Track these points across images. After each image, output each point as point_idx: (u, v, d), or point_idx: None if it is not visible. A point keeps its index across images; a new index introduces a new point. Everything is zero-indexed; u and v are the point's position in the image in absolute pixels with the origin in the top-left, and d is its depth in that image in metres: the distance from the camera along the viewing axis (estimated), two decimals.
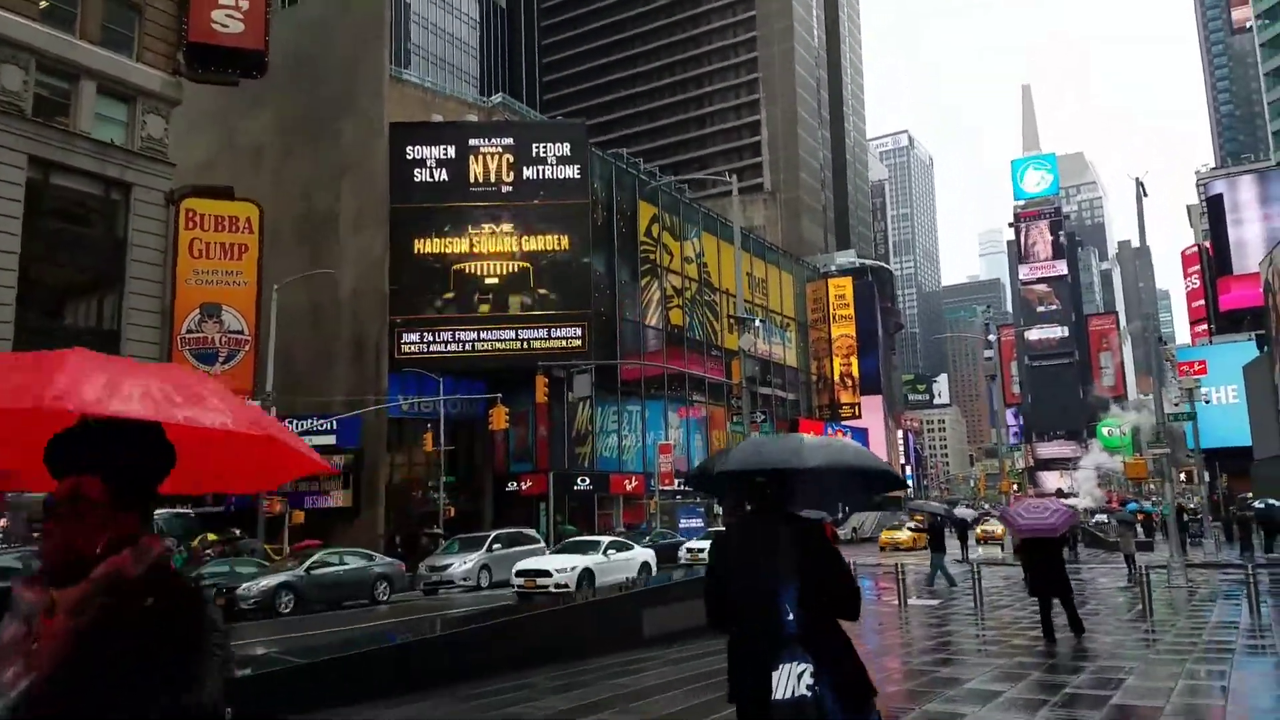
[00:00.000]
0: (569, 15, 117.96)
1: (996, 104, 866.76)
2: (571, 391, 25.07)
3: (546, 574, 21.55)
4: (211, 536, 26.50)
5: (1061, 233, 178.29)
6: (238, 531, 28.23)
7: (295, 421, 41.99)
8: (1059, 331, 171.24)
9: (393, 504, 43.15)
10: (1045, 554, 12.20)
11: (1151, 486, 73.93)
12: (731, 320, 21.55)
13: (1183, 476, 41.11)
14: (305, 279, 44.92)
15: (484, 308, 43.96)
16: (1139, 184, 27.08)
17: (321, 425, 42.35)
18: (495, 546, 26.43)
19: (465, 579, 25.22)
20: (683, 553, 32.52)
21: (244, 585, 20.15)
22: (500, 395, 34.38)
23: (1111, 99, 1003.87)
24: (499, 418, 31.13)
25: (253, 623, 19.05)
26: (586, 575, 21.85)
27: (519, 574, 22.03)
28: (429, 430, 38.18)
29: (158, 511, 33.50)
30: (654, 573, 25.02)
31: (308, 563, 21.82)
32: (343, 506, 41.26)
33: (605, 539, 25.52)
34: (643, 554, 25.20)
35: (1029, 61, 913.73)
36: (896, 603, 17.25)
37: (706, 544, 28.87)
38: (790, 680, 3.47)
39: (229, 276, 28.95)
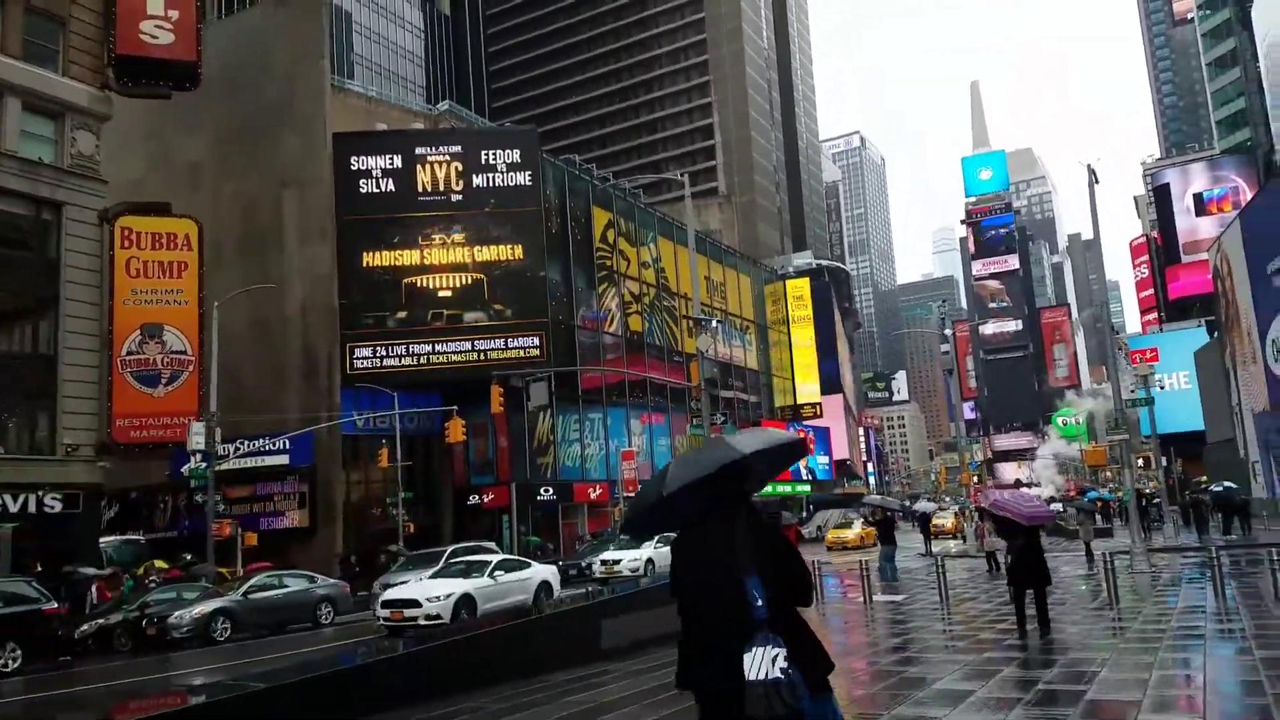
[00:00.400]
0: (515, 21, 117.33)
1: (946, 104, 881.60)
2: (529, 401, 24.07)
3: (415, 604, 18.67)
4: (159, 564, 25.54)
5: (1012, 227, 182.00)
6: (188, 556, 27.22)
7: (245, 442, 41.02)
8: (1013, 325, 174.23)
9: (350, 522, 42.24)
10: (1030, 543, 12.00)
11: (1109, 474, 74.97)
12: (689, 323, 21.19)
13: (1140, 462, 41.52)
14: (252, 296, 43.74)
15: (438, 324, 43.21)
16: (1090, 170, 27.22)
17: (273, 445, 41.24)
18: (453, 563, 23.50)
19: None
20: (597, 566, 29.33)
21: (176, 613, 19.09)
22: (456, 408, 33.64)
23: (1059, 96, 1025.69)
24: (455, 430, 30.44)
25: (186, 651, 18.23)
26: (466, 603, 18.99)
27: (384, 605, 19.28)
28: (384, 446, 37.27)
29: (107, 539, 32.51)
30: (556, 593, 22.37)
31: (244, 587, 20.80)
32: (298, 527, 40.26)
33: (494, 557, 22.52)
34: (541, 572, 22.39)
35: (977, 61, 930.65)
36: (861, 599, 17.01)
37: (626, 554, 28.56)
38: (764, 662, 3.62)
39: (169, 295, 27.95)
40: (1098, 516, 36.24)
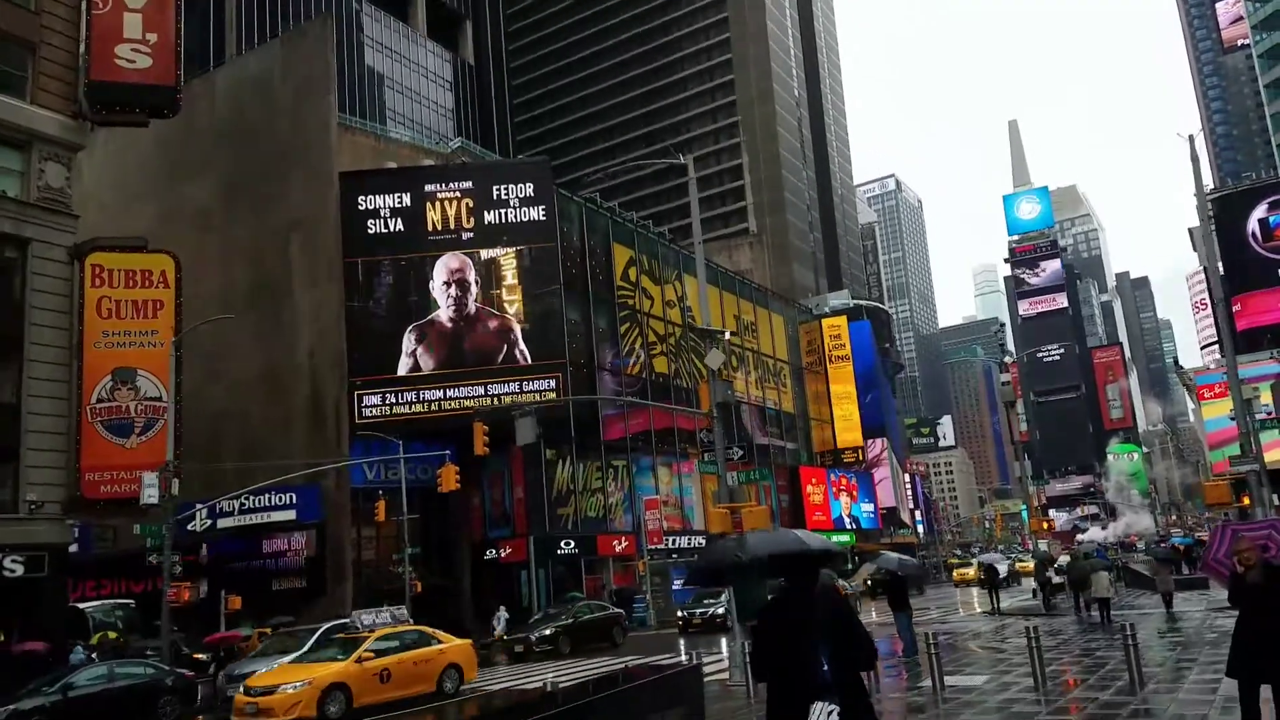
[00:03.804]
0: (541, 71, 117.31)
1: (984, 144, 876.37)
2: (517, 439, 21.34)
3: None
4: (112, 635, 23.05)
5: (1059, 263, 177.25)
6: (109, 633, 24.34)
7: (251, 497, 38.83)
8: (1055, 297, 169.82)
9: (361, 580, 39.68)
10: (1268, 610, 7.56)
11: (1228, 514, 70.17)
12: (702, 344, 18.43)
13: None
14: (261, 344, 42.13)
15: (449, 367, 40.98)
16: (1190, 140, 24.21)
17: (280, 499, 39.11)
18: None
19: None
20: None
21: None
22: (449, 453, 31.11)
23: (1102, 131, 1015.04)
24: (449, 478, 27.82)
25: None
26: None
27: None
28: (381, 498, 34.73)
29: (93, 604, 30.13)
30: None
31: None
32: (300, 587, 37.75)
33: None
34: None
35: (1015, 100, 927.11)
36: (930, 683, 13.35)
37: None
38: (822, 715, 4.77)
39: (143, 337, 25.93)
40: (1181, 565, 32.38)
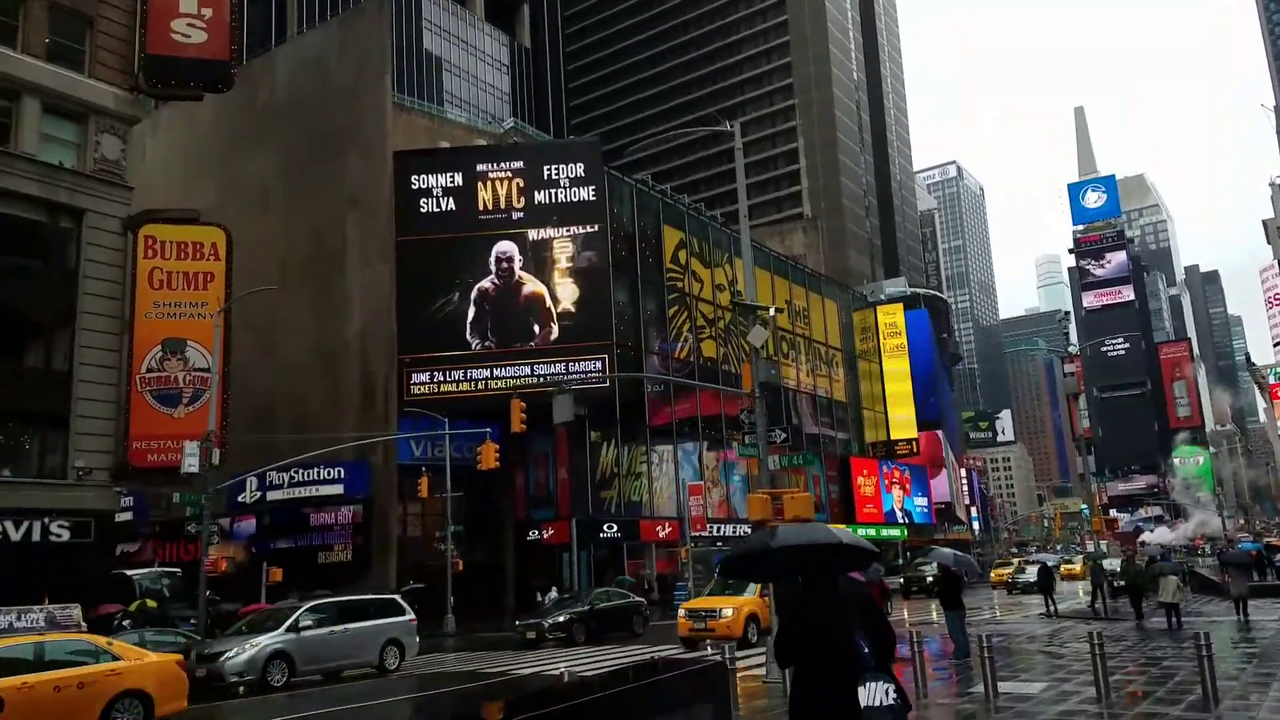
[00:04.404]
0: (596, 56, 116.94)
1: (1049, 131, 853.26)
2: (555, 418, 21.01)
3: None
4: (150, 603, 23.41)
5: (1125, 255, 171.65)
6: (148, 601, 24.59)
7: (301, 470, 39.34)
8: (1122, 291, 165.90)
9: (406, 556, 40.01)
10: None
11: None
12: (747, 324, 17.86)
13: None
14: (315, 320, 42.64)
15: (497, 346, 40.99)
16: (1276, 112, 22.90)
17: (329, 474, 39.59)
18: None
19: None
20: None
21: None
22: (490, 430, 30.97)
23: (1172, 119, 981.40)
24: (488, 456, 27.73)
25: None
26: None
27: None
28: (424, 475, 34.83)
29: (141, 571, 30.76)
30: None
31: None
32: (344, 562, 38.15)
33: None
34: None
35: (1082, 88, 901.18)
36: (981, 688, 12.45)
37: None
38: (879, 693, 4.96)
39: (193, 308, 26.26)
40: (1252, 571, 30.94)
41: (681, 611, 22.57)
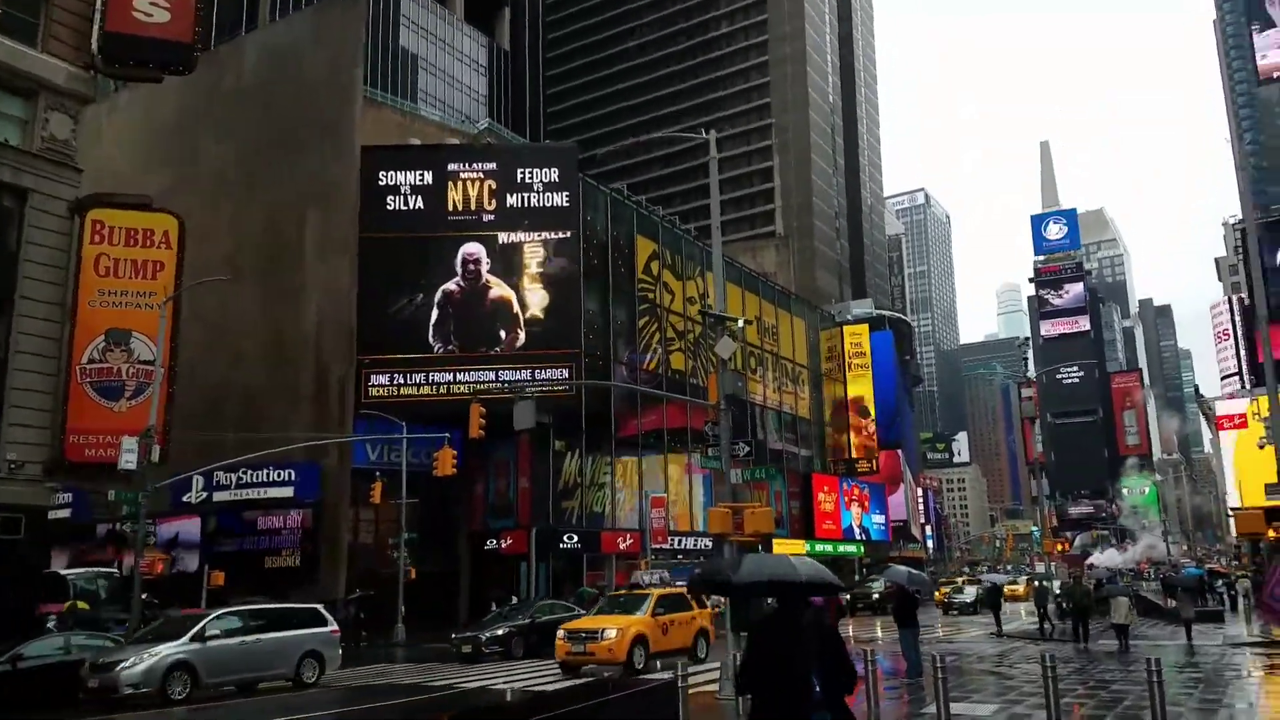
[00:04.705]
0: (577, 63, 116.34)
1: (1014, 165, 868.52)
2: (516, 424, 20.08)
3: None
4: (82, 605, 22.11)
5: (1082, 286, 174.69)
6: (79, 603, 23.43)
7: (250, 471, 37.94)
8: (1077, 321, 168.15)
9: (357, 565, 38.72)
10: None
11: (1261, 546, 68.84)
12: (716, 336, 17.08)
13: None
14: (269, 313, 41.26)
15: (461, 350, 39.95)
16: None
17: (279, 475, 38.24)
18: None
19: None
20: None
21: None
22: (448, 436, 30.01)
23: (1131, 156, 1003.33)
24: (445, 462, 26.78)
25: None
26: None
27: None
28: (378, 480, 33.69)
29: (76, 571, 29.30)
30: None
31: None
32: (292, 567, 36.79)
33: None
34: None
35: (1046, 122, 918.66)
36: (935, 711, 12.25)
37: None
38: None
39: (140, 298, 24.96)
40: (1206, 597, 31.06)
41: (560, 632, 20.08)
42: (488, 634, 24.20)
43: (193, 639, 17.12)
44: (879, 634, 27.70)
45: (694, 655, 20.48)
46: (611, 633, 18.80)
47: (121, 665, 16.23)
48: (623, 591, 26.93)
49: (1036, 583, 35.70)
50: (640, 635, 19.15)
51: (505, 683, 17.77)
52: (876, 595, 42.03)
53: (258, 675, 18.26)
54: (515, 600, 33.90)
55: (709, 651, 20.86)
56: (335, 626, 20.08)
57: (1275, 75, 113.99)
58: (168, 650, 16.71)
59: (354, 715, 16.29)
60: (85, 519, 39.46)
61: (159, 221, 25.73)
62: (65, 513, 39.86)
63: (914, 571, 21.05)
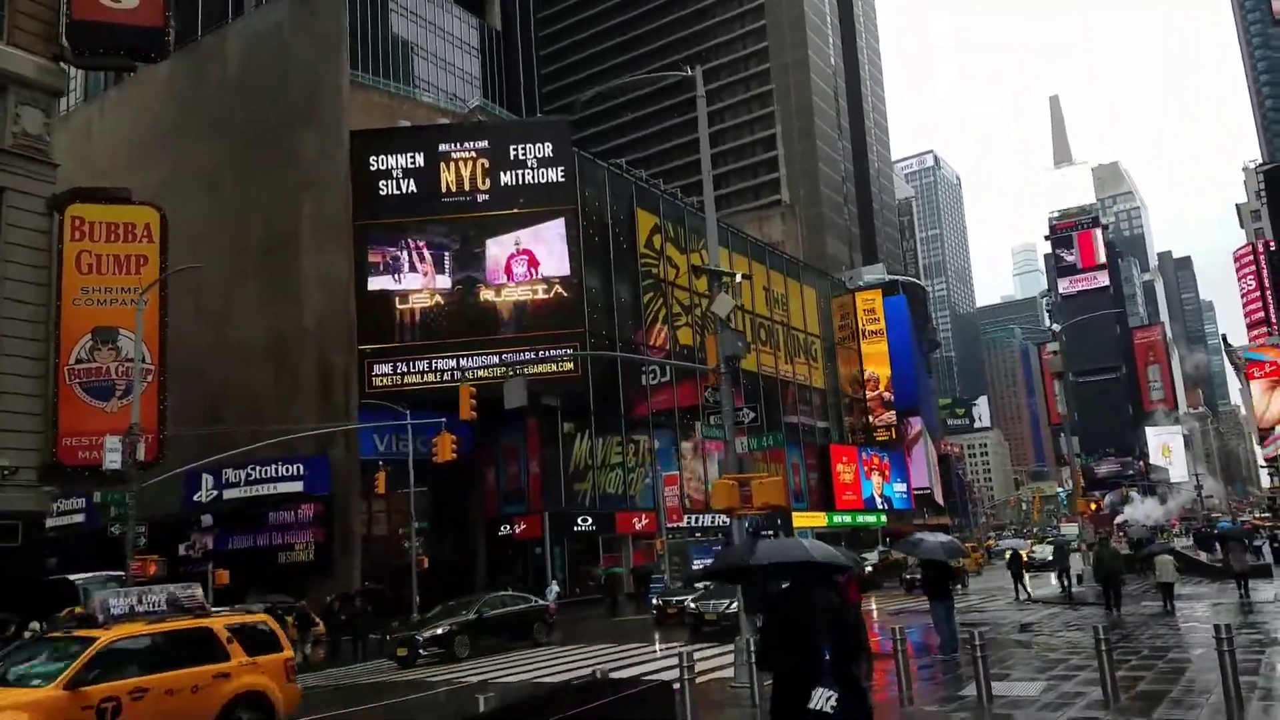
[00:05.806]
0: (570, 40, 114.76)
1: (1025, 120, 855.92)
2: (505, 403, 19.18)
3: None
4: (77, 609, 21.55)
5: (1101, 241, 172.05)
6: (77, 608, 22.82)
7: (259, 468, 37.51)
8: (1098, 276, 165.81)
9: (370, 555, 38.33)
10: None
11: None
12: (714, 309, 16.23)
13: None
14: (268, 308, 40.67)
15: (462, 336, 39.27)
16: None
17: (289, 470, 37.78)
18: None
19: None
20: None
21: None
22: (445, 420, 29.31)
23: (1146, 109, 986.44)
24: (444, 447, 26.10)
25: None
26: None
27: None
28: (382, 470, 33.12)
29: (84, 575, 28.89)
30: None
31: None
32: (305, 561, 36.38)
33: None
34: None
35: (1057, 75, 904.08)
36: (974, 694, 11.06)
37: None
38: (822, 700, 5.28)
39: (125, 294, 24.30)
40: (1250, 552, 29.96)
41: None
42: (426, 633, 21.17)
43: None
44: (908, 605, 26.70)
45: None
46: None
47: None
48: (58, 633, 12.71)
49: (1059, 545, 34.67)
50: None
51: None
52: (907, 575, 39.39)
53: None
54: (555, 584, 33.34)
55: None
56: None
57: None
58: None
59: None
60: (98, 524, 39.12)
61: (140, 215, 25.07)
62: (79, 518, 39.67)
63: (949, 541, 18.72)
